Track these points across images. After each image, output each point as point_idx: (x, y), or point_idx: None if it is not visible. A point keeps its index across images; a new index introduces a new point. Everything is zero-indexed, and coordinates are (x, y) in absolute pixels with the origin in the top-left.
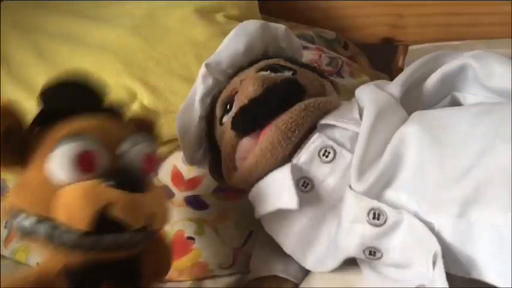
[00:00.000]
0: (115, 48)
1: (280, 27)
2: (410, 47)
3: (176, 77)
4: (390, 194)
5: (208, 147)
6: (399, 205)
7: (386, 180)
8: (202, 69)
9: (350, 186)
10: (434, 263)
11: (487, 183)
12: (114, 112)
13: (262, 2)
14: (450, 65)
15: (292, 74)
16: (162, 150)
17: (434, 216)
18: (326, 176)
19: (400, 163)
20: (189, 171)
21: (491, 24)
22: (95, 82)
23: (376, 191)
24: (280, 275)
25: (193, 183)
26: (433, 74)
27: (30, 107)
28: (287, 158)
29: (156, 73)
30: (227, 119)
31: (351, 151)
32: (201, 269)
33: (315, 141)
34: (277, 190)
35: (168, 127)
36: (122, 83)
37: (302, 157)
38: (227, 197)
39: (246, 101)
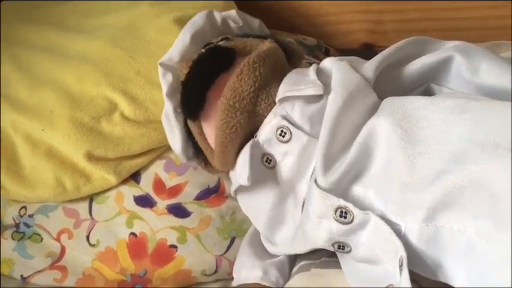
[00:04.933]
0: (95, 59)
1: (229, 12)
2: None
3: (157, 87)
4: (358, 189)
5: (192, 141)
6: (367, 203)
7: (354, 174)
8: (159, 69)
9: (315, 181)
10: (401, 266)
11: (458, 191)
12: None
13: (243, 10)
14: (433, 56)
15: (225, 42)
16: (143, 159)
17: (401, 218)
18: (284, 155)
19: (369, 158)
20: (170, 180)
21: (470, 29)
22: None
23: (343, 185)
24: (261, 282)
25: (174, 191)
26: (414, 61)
27: (11, 119)
28: (254, 130)
29: (137, 83)
30: None
31: (310, 133)
32: (185, 276)
33: (272, 121)
34: (241, 167)
35: (149, 137)
36: (103, 93)
37: (262, 134)
38: (209, 204)
39: (182, 86)
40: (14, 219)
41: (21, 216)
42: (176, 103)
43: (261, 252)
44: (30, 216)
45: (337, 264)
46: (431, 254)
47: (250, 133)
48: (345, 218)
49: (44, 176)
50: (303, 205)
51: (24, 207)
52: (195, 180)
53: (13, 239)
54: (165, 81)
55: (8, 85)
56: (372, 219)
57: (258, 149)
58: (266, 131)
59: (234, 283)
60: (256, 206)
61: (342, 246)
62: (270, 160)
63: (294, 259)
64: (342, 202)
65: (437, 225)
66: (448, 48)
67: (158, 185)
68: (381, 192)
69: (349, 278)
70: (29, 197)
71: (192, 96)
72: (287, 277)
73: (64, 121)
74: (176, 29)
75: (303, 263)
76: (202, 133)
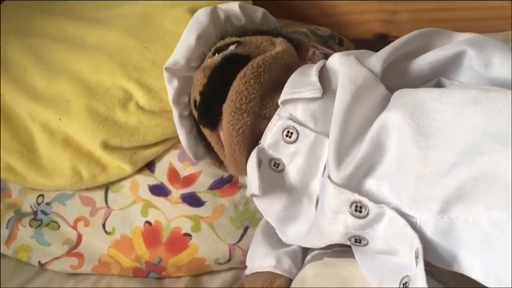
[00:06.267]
0: (111, 49)
1: (231, 7)
2: None
3: None
4: (372, 183)
5: (204, 143)
6: (381, 197)
7: (367, 168)
8: (165, 74)
9: (329, 176)
10: (417, 258)
11: (472, 183)
12: None
13: (256, 1)
14: (444, 51)
15: (236, 46)
16: (157, 149)
17: (416, 211)
18: (292, 156)
19: (382, 152)
20: (184, 169)
21: (485, 18)
22: None
23: (357, 179)
24: (274, 271)
25: (189, 180)
26: (425, 56)
27: (29, 109)
28: (261, 135)
29: (152, 73)
30: None
31: (315, 130)
32: (199, 264)
33: (276, 123)
34: (251, 175)
35: (163, 126)
36: (118, 83)
37: (268, 139)
38: (222, 194)
39: (199, 95)
40: (31, 207)
41: (38, 204)
42: (182, 108)
43: (274, 241)
44: (48, 204)
45: (349, 254)
46: (446, 246)
47: (258, 138)
48: (360, 212)
49: (61, 165)
50: (317, 202)
51: (42, 195)
52: (209, 170)
53: (31, 226)
54: (171, 87)
55: (25, 75)
56: (387, 213)
57: (264, 154)
58: (271, 134)
59: (247, 271)
60: (269, 208)
61: (358, 240)
62: (278, 164)
63: (307, 248)
64: (357, 196)
65: (452, 217)
66: (459, 42)
67: (172, 174)
68: (395, 186)
69: (364, 270)
70: (46, 186)
71: (211, 108)
72: (300, 266)
73: (80, 111)
74: (190, 19)
75: (315, 252)
76: (219, 141)
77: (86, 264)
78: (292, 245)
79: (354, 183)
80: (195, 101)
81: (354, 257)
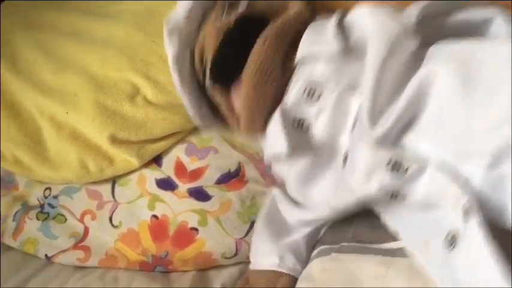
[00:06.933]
0: (118, 44)
1: None
2: None
3: None
4: (411, 138)
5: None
6: (421, 151)
7: (405, 124)
8: (165, 31)
9: (363, 135)
10: (465, 214)
11: None
12: None
13: None
14: (477, 13)
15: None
16: (165, 143)
17: (463, 165)
18: (317, 115)
19: (422, 106)
20: (191, 163)
21: None
22: None
23: (395, 135)
24: (278, 269)
25: (196, 174)
26: (458, 13)
27: (37, 102)
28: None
29: (159, 67)
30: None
31: (337, 86)
32: (205, 258)
33: (296, 84)
34: (274, 136)
35: (171, 121)
36: (126, 77)
37: (290, 99)
38: (229, 188)
39: (214, 54)
40: (38, 200)
41: (45, 197)
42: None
43: (276, 232)
44: (55, 197)
45: (356, 249)
46: (495, 199)
47: (278, 99)
48: (398, 169)
49: (68, 158)
50: (345, 158)
51: (49, 188)
52: (216, 164)
53: (38, 219)
54: (171, 44)
55: (34, 69)
56: (428, 169)
57: (288, 115)
58: (293, 95)
59: (251, 266)
60: (290, 169)
61: (395, 195)
62: (302, 124)
63: (310, 240)
64: (395, 153)
65: (502, 172)
66: (491, 10)
67: (180, 168)
68: (437, 141)
69: (397, 227)
70: (53, 178)
71: (225, 69)
72: (303, 260)
73: (88, 104)
74: None
75: (322, 247)
76: (229, 103)
77: (93, 257)
78: (294, 237)
79: (391, 139)
80: (202, 60)
81: (362, 253)
